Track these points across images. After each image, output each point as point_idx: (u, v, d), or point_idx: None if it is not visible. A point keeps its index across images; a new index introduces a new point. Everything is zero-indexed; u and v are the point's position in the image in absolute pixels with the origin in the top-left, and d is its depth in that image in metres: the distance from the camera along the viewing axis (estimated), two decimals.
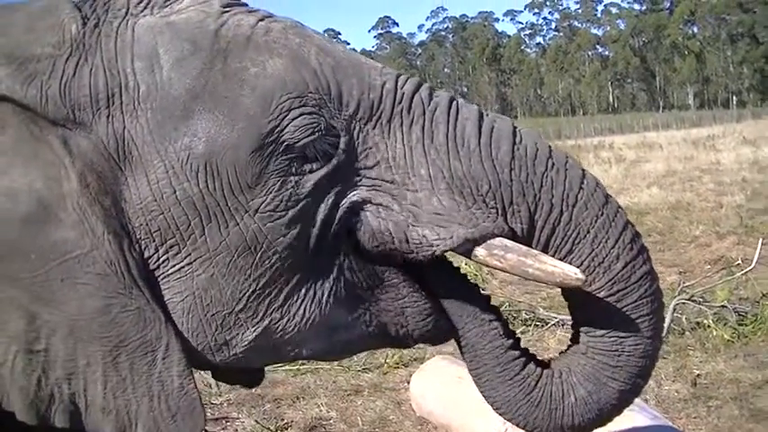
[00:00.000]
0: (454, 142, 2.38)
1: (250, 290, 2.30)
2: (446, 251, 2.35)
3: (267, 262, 2.29)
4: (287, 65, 2.33)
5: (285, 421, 6.71)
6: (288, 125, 2.27)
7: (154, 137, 2.25)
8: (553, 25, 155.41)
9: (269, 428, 6.50)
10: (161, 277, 2.28)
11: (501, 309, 2.62)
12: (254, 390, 7.36)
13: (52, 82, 2.25)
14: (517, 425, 2.54)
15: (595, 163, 27.79)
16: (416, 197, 2.35)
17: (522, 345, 2.54)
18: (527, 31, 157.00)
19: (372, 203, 2.36)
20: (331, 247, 2.35)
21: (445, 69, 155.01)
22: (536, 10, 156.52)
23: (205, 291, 2.28)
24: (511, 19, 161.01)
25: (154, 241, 2.26)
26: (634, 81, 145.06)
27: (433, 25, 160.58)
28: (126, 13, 2.38)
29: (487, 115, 2.47)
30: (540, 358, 2.57)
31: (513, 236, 2.36)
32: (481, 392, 2.53)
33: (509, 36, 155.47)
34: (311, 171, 2.30)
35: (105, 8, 2.39)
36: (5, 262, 2.16)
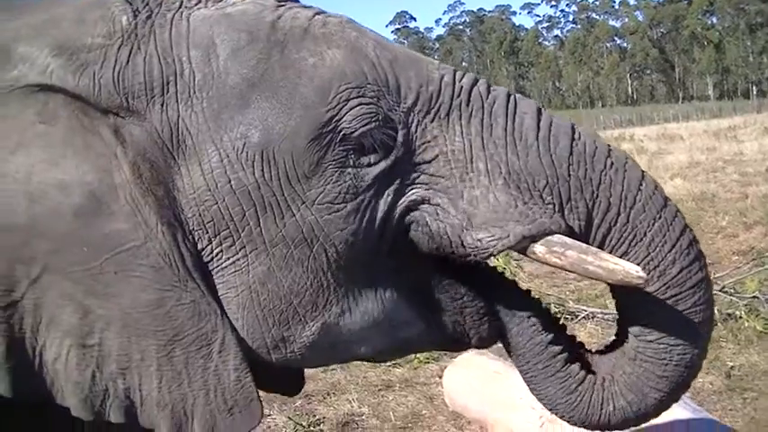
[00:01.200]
0: (512, 136, 2.34)
1: (308, 283, 2.26)
2: (503, 250, 2.31)
3: (325, 255, 2.25)
4: (345, 56, 2.30)
5: (317, 417, 6.70)
6: (346, 114, 2.24)
7: (209, 125, 2.22)
8: (571, 17, 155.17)
9: (301, 425, 6.49)
10: (215, 270, 2.24)
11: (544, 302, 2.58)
12: None
13: (105, 71, 2.22)
14: (558, 416, 2.52)
15: None
16: (473, 194, 2.31)
17: (567, 334, 2.51)
18: (545, 24, 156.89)
19: (430, 204, 2.33)
20: (389, 244, 2.32)
21: (463, 63, 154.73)
22: (553, 2, 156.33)
23: (262, 284, 2.24)
24: (528, 12, 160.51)
25: (207, 233, 2.22)
26: (653, 72, 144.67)
27: (450, 19, 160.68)
28: (180, 6, 2.36)
29: (545, 110, 2.43)
30: (587, 348, 2.55)
31: (570, 232, 2.32)
32: (527, 385, 2.51)
33: (526, 29, 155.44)
34: (369, 164, 2.26)
35: (158, 2, 2.37)
36: (58, 255, 2.14)
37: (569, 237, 2.30)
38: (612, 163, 2.35)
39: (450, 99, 2.35)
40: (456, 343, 2.54)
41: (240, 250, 2.23)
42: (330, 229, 2.24)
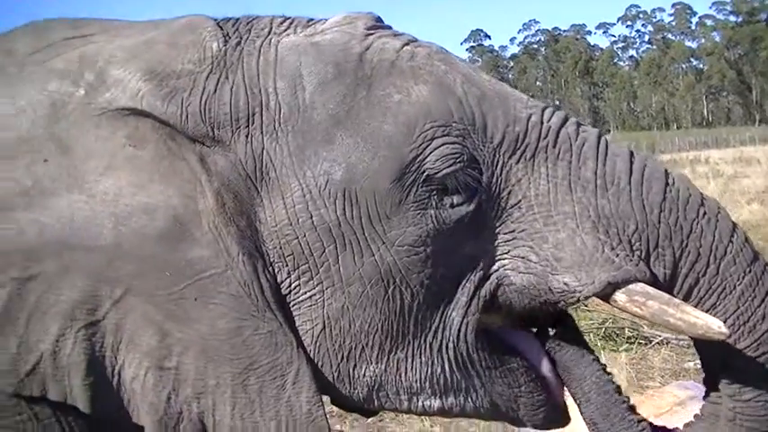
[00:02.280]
0: (603, 180, 2.31)
1: (379, 325, 2.27)
2: (589, 296, 2.28)
3: (400, 298, 2.26)
4: (432, 92, 2.30)
5: None
6: (430, 154, 2.24)
7: (293, 159, 2.25)
8: (646, 38, 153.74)
9: None
10: (292, 303, 2.27)
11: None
12: None
13: (192, 99, 2.27)
14: None
15: (692, 178, 27.27)
16: (558, 238, 2.29)
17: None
18: (620, 44, 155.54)
19: (512, 256, 2.31)
20: (464, 300, 2.31)
21: (537, 83, 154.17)
22: (629, 23, 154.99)
23: (335, 320, 2.26)
24: (603, 32, 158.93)
25: (287, 266, 2.25)
26: (729, 94, 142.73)
27: (525, 38, 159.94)
28: (269, 33, 2.40)
29: (638, 154, 2.40)
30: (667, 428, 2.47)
31: (654, 281, 2.28)
32: None
33: (602, 49, 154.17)
34: (452, 206, 2.26)
35: (248, 27, 2.42)
36: (141, 278, 2.19)
37: (653, 285, 2.26)
38: (705, 212, 2.31)
39: (537, 140, 2.33)
40: (507, 421, 2.51)
41: (317, 285, 2.25)
42: (407, 272, 2.24)
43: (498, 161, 2.30)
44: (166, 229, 2.19)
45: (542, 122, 2.34)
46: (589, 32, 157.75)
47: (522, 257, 2.30)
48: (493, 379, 2.37)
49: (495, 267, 2.31)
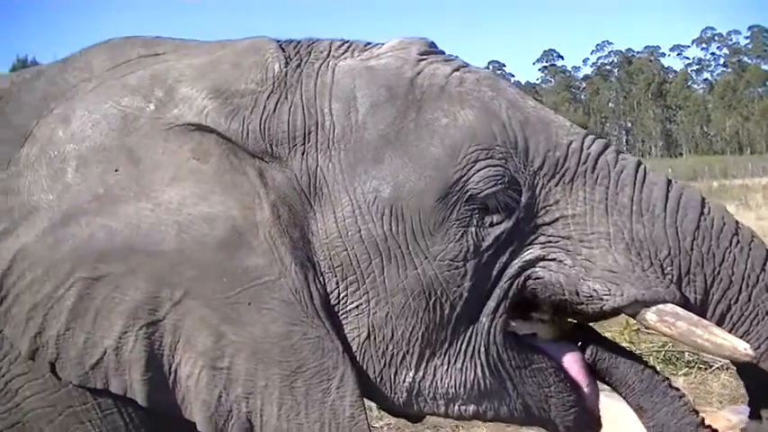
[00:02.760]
0: (639, 206, 2.42)
1: (420, 333, 2.40)
2: (615, 307, 2.38)
3: (440, 309, 2.39)
4: (477, 116, 2.43)
5: None
6: (473, 175, 2.38)
7: (345, 176, 2.40)
8: (721, 61, 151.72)
9: None
10: (340, 311, 2.41)
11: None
12: None
13: (254, 117, 2.44)
14: None
15: (764, 204, 27.03)
16: (592, 253, 2.40)
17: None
18: (694, 67, 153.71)
19: (546, 260, 2.43)
20: (492, 305, 2.42)
21: (609, 104, 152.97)
22: (704, 45, 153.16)
23: (379, 329, 2.40)
24: (678, 54, 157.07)
25: (335, 276, 2.39)
26: None
27: (598, 59, 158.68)
28: (327, 56, 2.56)
29: (676, 182, 2.50)
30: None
31: (684, 304, 2.38)
32: None
33: (675, 71, 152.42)
34: (491, 224, 2.39)
35: (308, 50, 2.58)
36: (200, 282, 2.36)
37: (685, 308, 2.36)
38: (738, 241, 2.41)
39: (576, 165, 2.45)
40: (541, 424, 2.60)
41: (364, 295, 2.40)
42: (448, 285, 2.38)
43: (538, 183, 2.43)
44: (225, 237, 2.36)
45: (582, 149, 2.47)
46: (663, 54, 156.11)
47: (557, 260, 2.42)
48: (523, 379, 2.48)
49: (526, 272, 2.44)
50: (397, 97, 2.45)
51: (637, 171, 2.46)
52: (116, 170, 2.40)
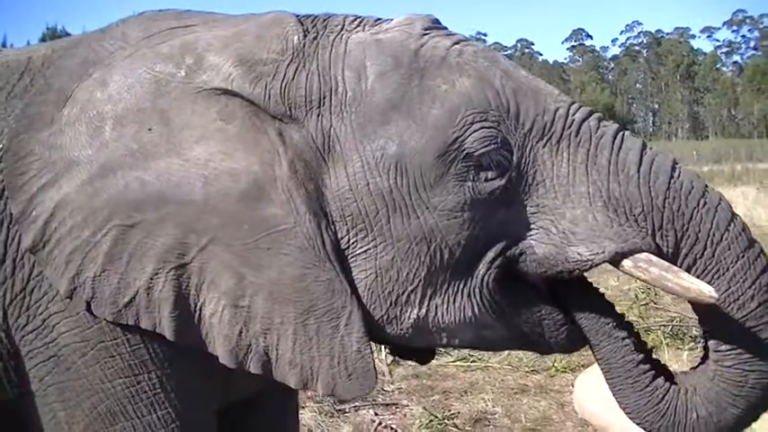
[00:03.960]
0: (615, 166, 2.63)
1: (422, 275, 2.64)
2: (600, 263, 2.61)
3: (438, 253, 2.62)
4: (473, 84, 2.66)
5: (452, 412, 7.06)
6: (469, 136, 2.60)
7: (355, 136, 2.63)
8: (752, 44, 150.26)
9: (436, 416, 6.85)
10: (349, 256, 2.65)
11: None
12: (424, 381, 7.77)
13: (275, 83, 2.67)
14: (644, 429, 2.74)
15: None
16: (574, 214, 2.61)
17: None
18: (724, 49, 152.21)
19: (535, 227, 2.65)
20: (492, 257, 2.65)
21: (637, 85, 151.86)
22: (734, 27, 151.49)
23: (386, 271, 2.63)
24: (708, 36, 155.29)
25: (346, 224, 2.63)
26: None
27: (627, 39, 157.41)
28: (341, 29, 2.81)
29: (650, 149, 2.71)
30: (670, 370, 2.78)
31: (658, 254, 2.59)
32: (614, 398, 2.75)
33: (705, 53, 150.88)
34: (486, 180, 2.61)
35: (324, 24, 2.83)
36: (224, 229, 2.60)
37: (655, 257, 2.58)
38: (705, 203, 2.61)
39: (562, 129, 2.67)
40: (537, 347, 2.84)
41: (371, 241, 2.63)
42: (447, 232, 2.61)
43: (527, 144, 2.65)
44: (247, 190, 2.59)
45: (568, 115, 2.69)
46: (693, 36, 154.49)
47: (545, 229, 2.64)
48: (517, 311, 2.71)
49: (520, 235, 2.65)
50: (402, 66, 2.67)
51: (615, 136, 2.68)
52: (149, 129, 2.64)
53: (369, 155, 2.63)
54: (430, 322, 2.70)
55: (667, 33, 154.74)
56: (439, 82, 2.67)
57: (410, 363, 7.55)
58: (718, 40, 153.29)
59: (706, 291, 2.49)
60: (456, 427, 6.81)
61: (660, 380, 2.69)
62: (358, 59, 2.70)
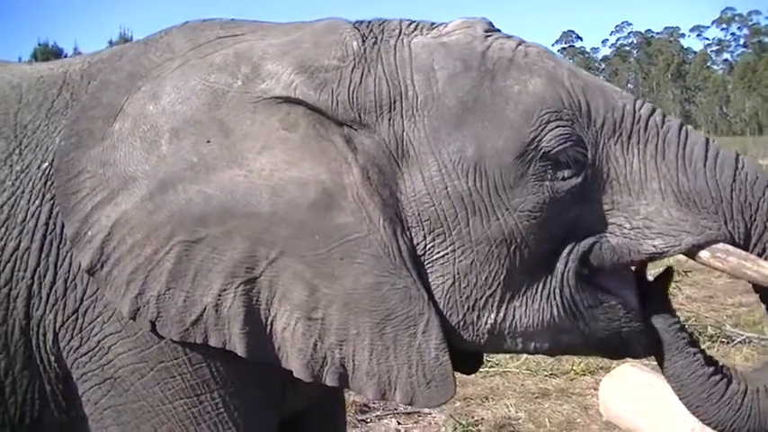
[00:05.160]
0: (683, 161, 2.65)
1: (501, 278, 2.61)
2: (676, 254, 2.63)
3: (519, 255, 2.60)
4: (545, 84, 2.66)
5: (475, 418, 7.01)
6: (546, 135, 2.59)
7: (429, 140, 2.61)
8: (741, 41, 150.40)
9: (461, 423, 6.81)
10: (426, 261, 2.61)
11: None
12: None
13: (341, 89, 2.64)
14: None
15: None
16: (649, 211, 2.63)
17: (717, 360, 2.75)
18: (714, 48, 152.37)
19: (610, 222, 2.65)
20: (570, 253, 2.65)
21: (628, 85, 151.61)
22: (724, 25, 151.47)
23: (464, 275, 2.60)
24: (697, 35, 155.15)
25: (423, 229, 2.60)
26: None
27: (617, 40, 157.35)
28: (400, 33, 2.78)
29: (713, 141, 2.73)
30: (736, 371, 2.76)
31: (732, 242, 2.61)
32: (695, 415, 2.73)
33: (695, 52, 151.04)
34: (564, 179, 2.60)
35: (381, 29, 2.81)
36: (294, 241, 2.56)
37: (731, 246, 2.60)
38: None
39: (631, 125, 2.68)
40: (610, 352, 2.85)
41: (450, 245, 2.60)
42: (527, 233, 2.59)
43: (600, 141, 2.66)
44: (316, 199, 2.55)
45: (635, 111, 2.70)
46: (683, 35, 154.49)
47: (619, 225, 2.64)
48: (596, 316, 2.68)
49: (595, 231, 2.65)
50: (471, 68, 2.66)
51: (680, 131, 2.70)
52: (208, 141, 2.60)
53: (446, 158, 2.60)
54: (507, 327, 2.68)
55: (657, 33, 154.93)
56: (511, 83, 2.66)
57: None
58: (707, 39, 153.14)
59: None
60: None
61: (734, 385, 2.67)
62: (425, 63, 2.68)
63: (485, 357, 8.27)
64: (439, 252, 2.62)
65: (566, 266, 2.64)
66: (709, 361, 2.71)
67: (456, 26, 2.83)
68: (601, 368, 7.94)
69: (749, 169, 2.67)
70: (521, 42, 2.81)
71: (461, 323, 2.67)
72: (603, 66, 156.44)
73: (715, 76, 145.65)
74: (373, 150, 2.62)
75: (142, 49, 2.89)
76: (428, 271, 2.63)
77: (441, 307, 2.64)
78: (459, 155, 2.60)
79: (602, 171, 2.67)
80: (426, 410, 7.23)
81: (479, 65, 2.68)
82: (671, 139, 2.68)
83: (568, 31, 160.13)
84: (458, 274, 2.62)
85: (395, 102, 2.65)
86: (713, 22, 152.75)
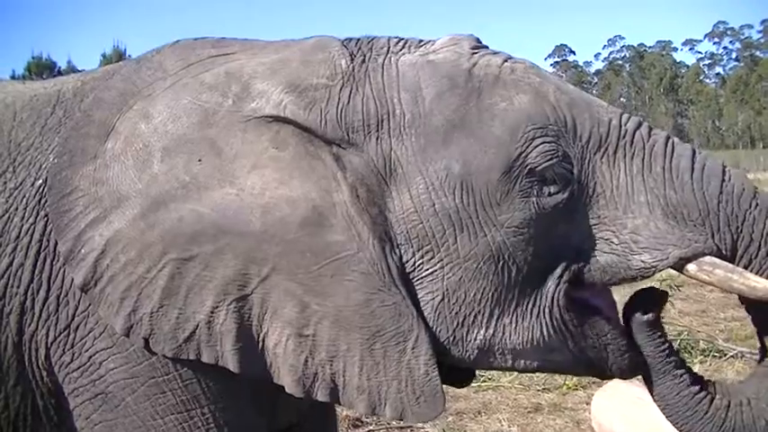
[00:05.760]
0: (670, 173, 2.67)
1: (489, 294, 2.64)
2: (663, 269, 2.66)
3: (507, 272, 2.62)
4: (531, 100, 2.69)
5: None
6: (532, 151, 2.62)
7: (417, 158, 2.64)
8: (734, 55, 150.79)
9: None
10: (415, 278, 2.64)
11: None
12: None
13: (330, 108, 2.68)
14: None
15: None
16: (635, 224, 2.65)
17: (702, 376, 2.78)
18: (706, 61, 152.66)
19: (597, 238, 2.68)
20: (560, 272, 2.67)
21: (621, 99, 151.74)
22: (716, 39, 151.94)
23: (453, 292, 2.63)
24: (690, 48, 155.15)
25: (412, 247, 2.63)
26: None
27: (609, 54, 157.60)
28: (387, 51, 2.82)
29: (700, 153, 2.75)
30: (722, 385, 2.80)
31: (719, 256, 2.64)
32: (678, 430, 2.76)
33: (687, 66, 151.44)
34: (550, 194, 2.63)
35: (369, 47, 2.84)
36: (285, 258, 2.59)
37: (718, 258, 2.62)
38: (757, 204, 2.65)
39: (617, 140, 2.70)
40: (598, 371, 2.85)
41: (438, 262, 2.63)
42: (515, 249, 2.61)
43: (586, 156, 2.69)
44: (307, 217, 2.58)
45: (621, 125, 2.73)
46: (675, 49, 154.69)
47: (606, 240, 2.66)
48: (584, 333, 2.71)
49: (583, 247, 2.67)
50: (458, 86, 2.70)
51: (666, 144, 2.73)
52: (199, 160, 2.63)
53: (432, 176, 2.63)
54: (497, 344, 2.70)
55: (650, 47, 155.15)
56: (497, 100, 2.69)
57: None
58: (700, 53, 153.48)
59: None
60: None
61: (717, 401, 2.70)
62: (412, 81, 2.72)
63: (477, 372, 8.36)
64: (428, 269, 2.64)
65: (556, 287, 2.67)
66: (695, 380, 2.74)
67: (443, 44, 2.86)
68: (593, 383, 7.91)
69: (736, 181, 2.70)
70: (507, 58, 2.83)
71: (451, 339, 2.69)
72: (596, 80, 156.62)
73: (708, 89, 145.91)
74: (362, 169, 2.66)
75: (134, 67, 2.92)
76: (417, 288, 2.66)
77: (430, 323, 2.66)
78: (446, 172, 2.63)
79: (589, 186, 2.69)
80: (419, 425, 7.24)
81: (465, 82, 2.72)
82: (657, 151, 2.71)
83: (561, 45, 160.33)
84: (447, 290, 2.64)
85: (382, 121, 2.68)
86: (705, 36, 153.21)
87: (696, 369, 7.71)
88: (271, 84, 2.72)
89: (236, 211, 2.59)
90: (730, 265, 2.63)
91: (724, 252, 2.65)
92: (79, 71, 3.39)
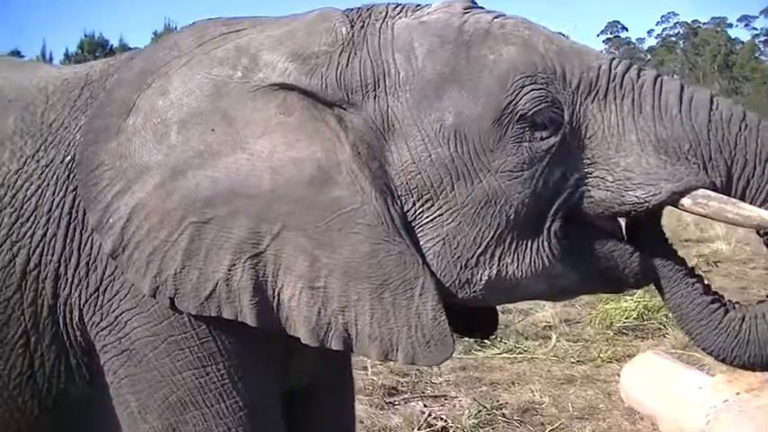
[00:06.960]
0: (659, 111, 2.74)
1: (489, 236, 2.74)
2: (657, 204, 2.72)
3: (504, 214, 2.72)
4: (519, 51, 2.79)
5: (500, 402, 7.15)
6: (521, 99, 2.71)
7: (412, 112, 2.76)
8: None
9: (485, 406, 6.94)
10: (417, 227, 2.76)
11: None
12: (471, 373, 7.87)
13: (330, 72, 2.81)
14: (735, 366, 2.82)
15: None
16: (628, 162, 2.72)
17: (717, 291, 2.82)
18: (762, 38, 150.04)
19: (592, 176, 2.75)
20: (555, 209, 2.75)
21: (674, 76, 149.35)
22: None
23: (453, 237, 2.74)
24: (745, 25, 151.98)
25: (412, 197, 2.75)
26: None
27: (663, 30, 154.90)
28: (385, 16, 2.95)
29: (688, 87, 2.81)
30: (742, 303, 2.83)
31: (713, 187, 2.69)
32: (695, 344, 2.83)
33: (742, 42, 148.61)
34: (542, 139, 2.72)
35: (369, 13, 2.97)
36: (294, 216, 2.72)
37: (712, 191, 2.69)
38: (747, 125, 2.72)
39: (607, 83, 2.78)
40: (610, 286, 2.95)
41: (437, 210, 2.74)
42: (510, 192, 2.71)
43: (576, 101, 2.77)
44: (313, 175, 2.72)
45: (610, 69, 2.81)
46: (730, 25, 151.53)
47: (601, 178, 2.75)
48: (588, 251, 2.80)
49: (578, 186, 2.76)
50: (448, 42, 2.81)
51: (655, 83, 2.80)
52: (213, 130, 2.79)
53: (428, 128, 2.74)
54: (503, 281, 2.80)
55: (704, 23, 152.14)
56: (486, 52, 2.79)
57: (457, 355, 7.72)
58: (755, 29, 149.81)
59: (766, 216, 2.64)
60: (504, 417, 6.89)
61: (732, 313, 2.75)
62: (406, 41, 2.83)
63: (514, 343, 8.43)
64: (428, 217, 2.76)
65: (552, 223, 2.76)
66: (708, 290, 2.80)
67: (437, 6, 2.99)
68: (627, 356, 8.02)
69: (724, 107, 2.77)
70: (499, 15, 2.94)
71: (456, 282, 2.80)
72: (649, 56, 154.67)
73: (763, 66, 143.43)
74: (362, 127, 2.78)
75: (153, 48, 3.11)
76: (420, 236, 2.77)
77: (435, 269, 2.78)
78: (440, 124, 2.74)
79: (581, 129, 2.77)
80: (452, 394, 7.42)
81: (456, 38, 2.82)
82: (646, 91, 2.78)
83: (614, 21, 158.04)
84: (447, 235, 2.75)
85: (378, 80, 2.81)
86: (761, 12, 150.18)
87: None
88: (277, 54, 2.87)
89: (248, 174, 2.73)
90: (724, 197, 2.68)
91: (720, 183, 2.70)
92: (131, 49, 3.56)
